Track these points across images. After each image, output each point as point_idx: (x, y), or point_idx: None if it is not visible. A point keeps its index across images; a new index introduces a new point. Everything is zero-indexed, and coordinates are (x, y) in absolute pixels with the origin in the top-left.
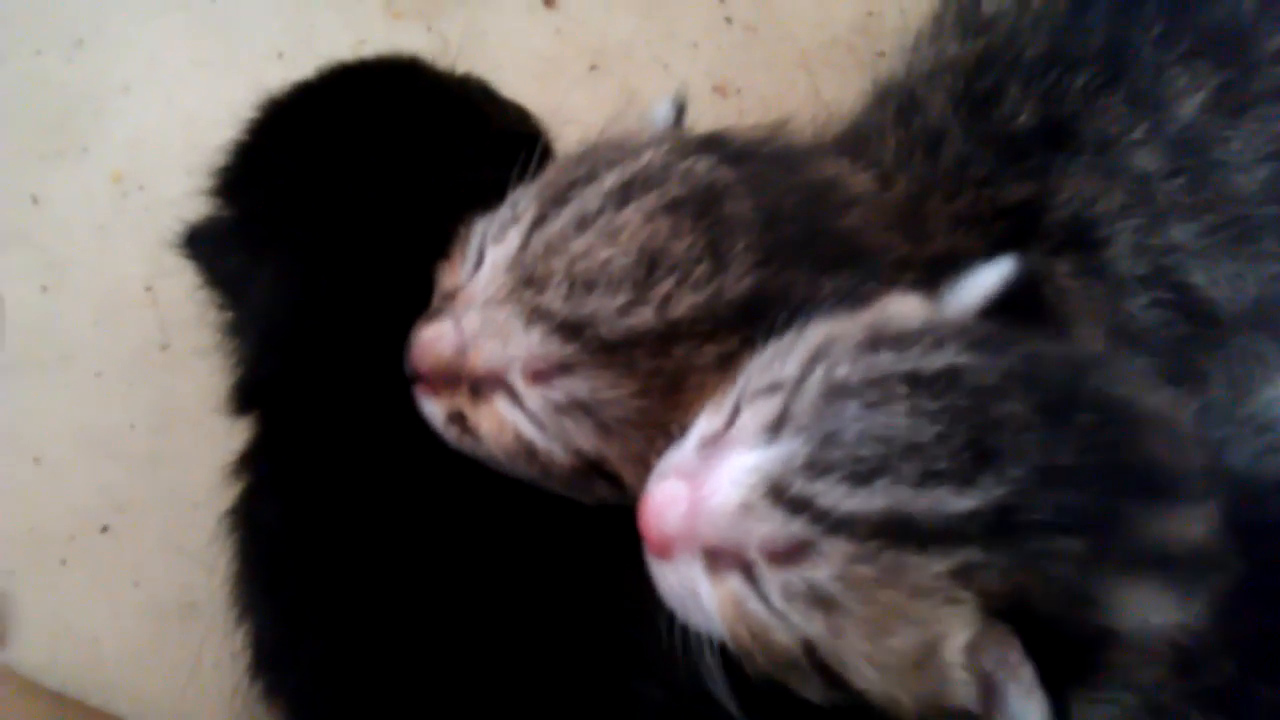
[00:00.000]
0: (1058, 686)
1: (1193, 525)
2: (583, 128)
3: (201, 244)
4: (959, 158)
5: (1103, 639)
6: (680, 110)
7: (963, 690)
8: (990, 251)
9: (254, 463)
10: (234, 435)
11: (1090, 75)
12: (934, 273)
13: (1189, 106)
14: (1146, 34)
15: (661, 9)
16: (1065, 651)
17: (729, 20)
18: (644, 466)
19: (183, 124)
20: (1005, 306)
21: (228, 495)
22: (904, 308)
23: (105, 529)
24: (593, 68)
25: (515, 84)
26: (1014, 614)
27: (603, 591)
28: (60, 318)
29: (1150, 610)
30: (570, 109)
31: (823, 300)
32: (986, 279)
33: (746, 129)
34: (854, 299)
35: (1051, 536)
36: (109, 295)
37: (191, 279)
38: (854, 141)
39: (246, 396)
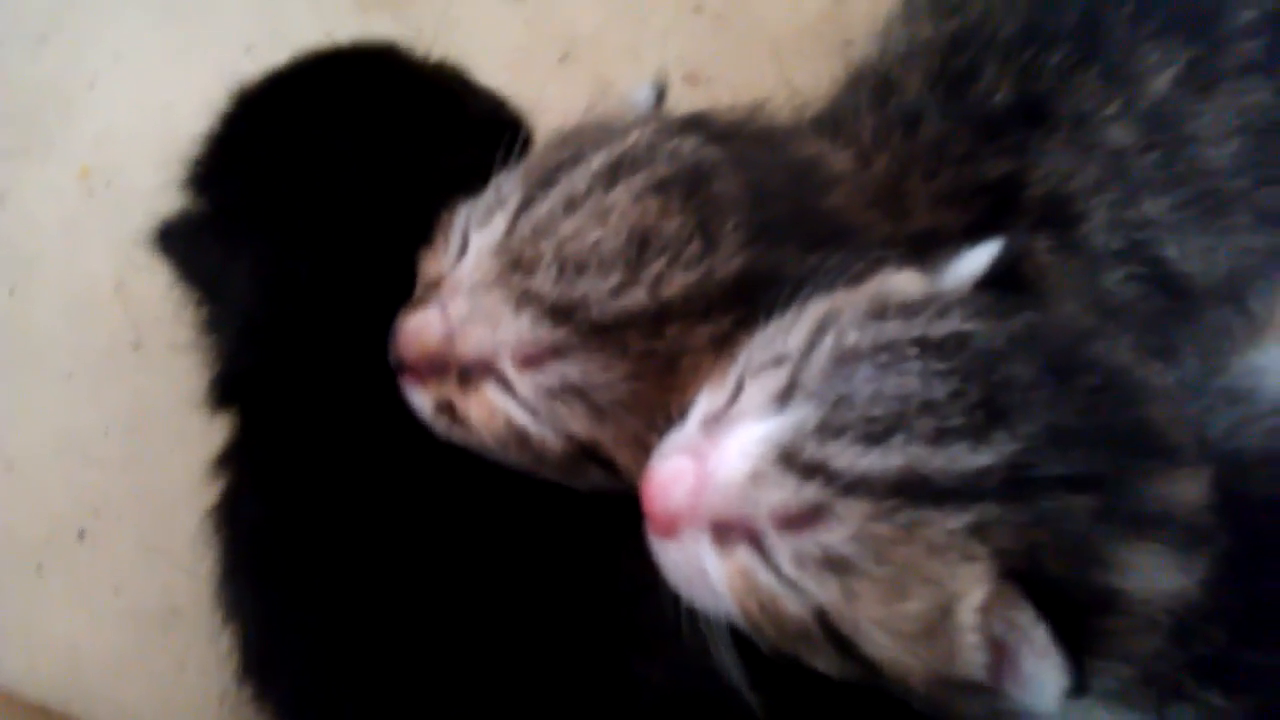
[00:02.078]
0: (1072, 646)
1: (1191, 489)
2: (556, 116)
3: (175, 239)
4: (937, 136)
5: (1108, 602)
6: (660, 94)
7: (974, 658)
8: (971, 228)
9: (235, 459)
10: (211, 435)
11: (1065, 53)
12: (918, 249)
13: (1161, 82)
14: (1119, 11)
15: None
16: (1073, 616)
17: (698, 9)
18: (640, 449)
19: (151, 119)
20: (990, 284)
21: (208, 494)
22: (903, 281)
23: (82, 534)
24: (564, 58)
25: (487, 74)
26: (1025, 577)
27: (598, 576)
28: (29, 318)
29: (1155, 571)
30: (543, 98)
31: (814, 277)
32: (979, 257)
33: (726, 110)
34: (845, 276)
35: (1063, 493)
36: (78, 294)
37: (163, 276)
38: (830, 123)
39: (225, 391)
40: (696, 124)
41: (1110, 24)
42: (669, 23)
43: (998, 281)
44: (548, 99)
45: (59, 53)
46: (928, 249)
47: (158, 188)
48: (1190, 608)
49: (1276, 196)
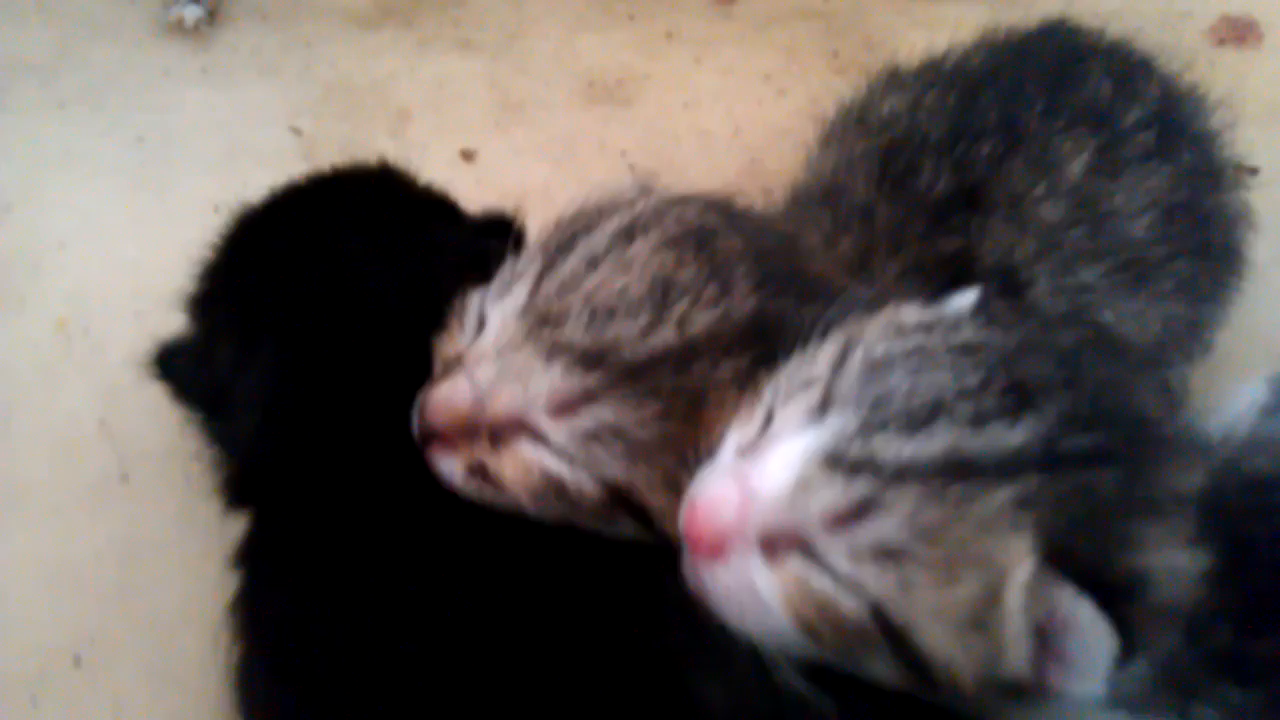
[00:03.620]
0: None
1: (1194, 474)
2: None
3: (174, 360)
4: (893, 221)
5: (1134, 585)
6: (644, 186)
7: (1019, 649)
8: (936, 294)
9: (253, 555)
10: (207, 559)
11: (992, 146)
12: None
13: (1076, 167)
14: (1031, 110)
15: (570, 159)
16: (1107, 597)
17: (632, 167)
18: (673, 492)
19: (125, 273)
20: None
21: (209, 613)
22: (912, 311)
23: (77, 661)
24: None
25: None
26: (1062, 559)
27: (646, 612)
28: (12, 461)
29: (1173, 551)
30: None
31: (819, 321)
32: (966, 296)
33: (708, 192)
34: (856, 311)
35: (1091, 466)
36: (61, 434)
37: (148, 410)
38: (790, 220)
39: (240, 490)
40: (689, 199)
41: (1026, 120)
42: (606, 178)
43: None
44: None
45: (25, 219)
46: None
47: (136, 330)
48: (1199, 603)
49: (1189, 268)
